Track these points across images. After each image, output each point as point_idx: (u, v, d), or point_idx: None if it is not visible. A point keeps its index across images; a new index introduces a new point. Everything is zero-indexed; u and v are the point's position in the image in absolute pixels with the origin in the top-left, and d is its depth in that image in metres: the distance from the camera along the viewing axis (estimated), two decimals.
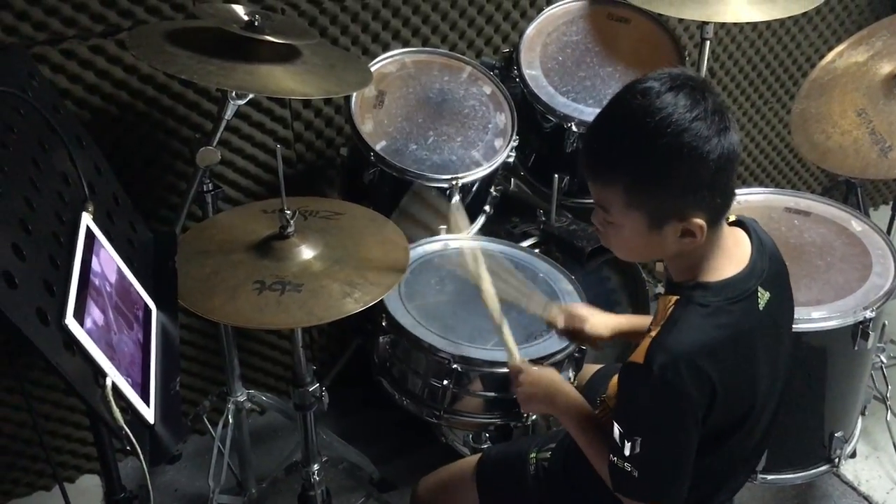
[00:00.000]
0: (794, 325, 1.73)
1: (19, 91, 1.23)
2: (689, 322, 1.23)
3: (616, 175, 1.22)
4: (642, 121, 1.17)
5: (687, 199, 1.20)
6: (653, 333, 1.24)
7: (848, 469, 2.44)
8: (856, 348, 1.88)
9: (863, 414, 2.14)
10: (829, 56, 2.28)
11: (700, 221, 1.21)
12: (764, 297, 1.28)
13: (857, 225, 2.08)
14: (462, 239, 2.09)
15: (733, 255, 1.29)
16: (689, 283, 1.28)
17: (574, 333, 1.66)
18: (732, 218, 1.37)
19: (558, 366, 1.80)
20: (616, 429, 1.26)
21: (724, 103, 1.22)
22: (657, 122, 1.16)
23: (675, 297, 1.27)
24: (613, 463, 1.28)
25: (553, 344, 1.80)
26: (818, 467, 2.04)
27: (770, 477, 2.00)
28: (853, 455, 2.14)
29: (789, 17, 2.68)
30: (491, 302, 1.67)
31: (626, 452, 1.25)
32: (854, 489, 2.41)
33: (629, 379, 1.28)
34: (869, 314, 1.84)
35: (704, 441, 1.27)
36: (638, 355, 1.23)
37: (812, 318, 1.84)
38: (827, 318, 1.84)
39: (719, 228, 1.27)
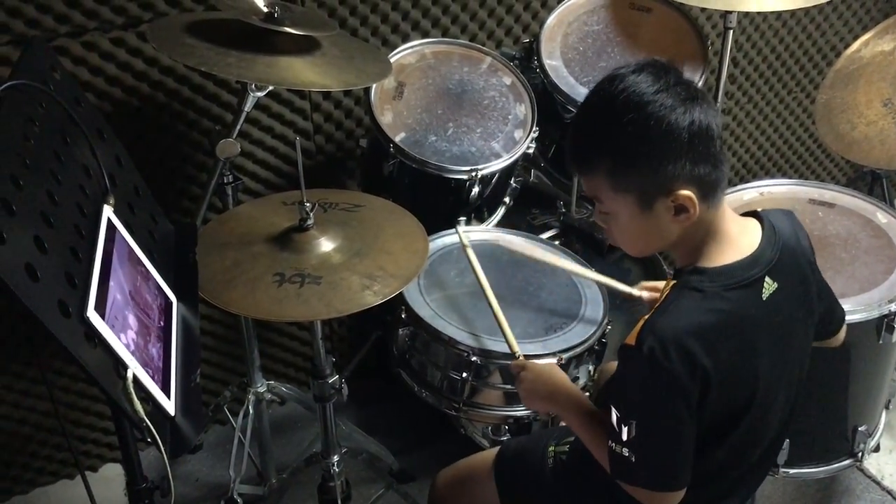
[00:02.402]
0: None
1: (41, 84, 1.23)
2: (681, 305, 1.24)
3: (596, 162, 1.26)
4: (609, 104, 1.23)
5: (667, 171, 1.21)
6: (646, 316, 1.25)
7: (871, 463, 2.41)
8: (880, 342, 1.85)
9: (887, 408, 2.12)
10: (855, 45, 2.25)
11: (687, 193, 1.22)
12: (770, 286, 1.28)
13: (882, 217, 2.05)
14: (480, 231, 2.09)
15: (738, 242, 1.29)
16: (687, 267, 1.29)
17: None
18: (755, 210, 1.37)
19: (578, 358, 1.79)
20: (613, 413, 1.27)
21: (691, 80, 1.25)
22: (622, 101, 1.21)
23: (672, 282, 1.29)
24: (612, 449, 1.28)
25: (573, 336, 1.80)
26: (841, 461, 2.02)
27: (792, 471, 1.98)
28: (877, 449, 2.12)
29: (814, 6, 2.64)
30: (491, 299, 1.73)
31: (624, 437, 1.25)
32: (877, 483, 2.38)
33: (623, 361, 1.29)
34: (894, 307, 1.82)
35: (708, 432, 1.27)
36: (631, 337, 1.24)
37: None
38: (851, 312, 1.81)
39: (718, 211, 1.28)
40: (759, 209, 1.38)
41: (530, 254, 1.95)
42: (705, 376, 1.21)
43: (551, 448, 1.62)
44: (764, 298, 1.27)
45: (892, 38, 2.22)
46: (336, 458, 1.90)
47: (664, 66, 1.24)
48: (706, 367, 1.20)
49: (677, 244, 1.30)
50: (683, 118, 1.20)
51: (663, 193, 1.23)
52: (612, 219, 1.30)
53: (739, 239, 1.30)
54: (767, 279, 1.27)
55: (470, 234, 2.05)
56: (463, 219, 2.09)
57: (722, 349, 1.22)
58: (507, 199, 2.22)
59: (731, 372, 1.24)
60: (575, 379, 1.81)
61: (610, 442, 1.28)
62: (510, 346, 1.68)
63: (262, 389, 2.22)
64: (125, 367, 1.08)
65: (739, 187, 2.12)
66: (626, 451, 1.25)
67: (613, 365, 1.84)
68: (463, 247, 1.87)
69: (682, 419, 1.23)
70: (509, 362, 1.72)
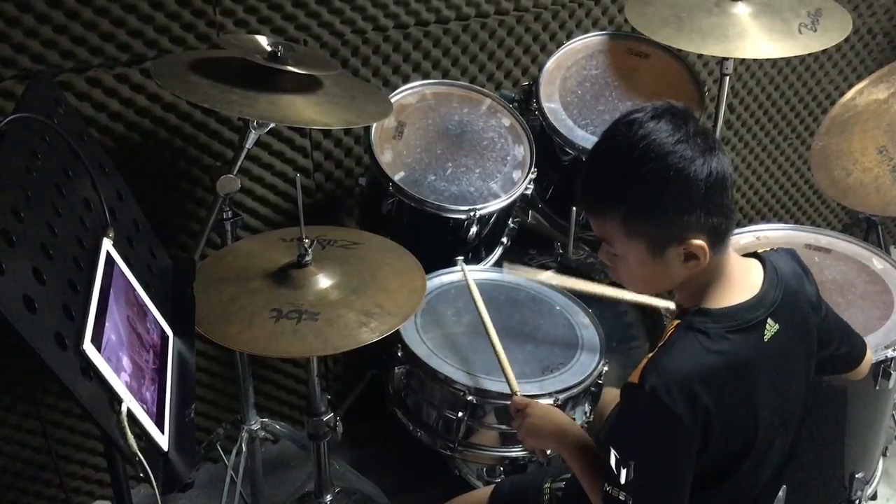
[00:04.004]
0: None
1: (45, 118, 1.24)
2: (684, 346, 1.23)
3: (611, 207, 1.25)
4: (628, 151, 1.21)
5: (683, 221, 1.21)
6: (650, 355, 1.25)
7: None
8: (877, 388, 1.85)
9: (884, 455, 2.11)
10: (850, 93, 2.28)
11: (700, 242, 1.22)
12: (772, 329, 1.28)
13: (878, 263, 2.06)
14: (479, 270, 2.09)
15: (742, 284, 1.29)
16: (692, 308, 1.28)
17: None
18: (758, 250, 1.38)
19: (575, 399, 1.79)
20: (612, 455, 1.25)
21: (708, 128, 1.25)
22: (641, 150, 1.20)
23: (676, 321, 1.28)
24: (608, 493, 1.26)
25: (569, 377, 1.79)
26: None
27: None
28: (874, 497, 2.11)
29: (809, 54, 2.68)
30: (493, 338, 1.72)
31: (622, 480, 1.23)
32: None
33: (624, 399, 1.28)
34: (891, 353, 1.81)
35: (706, 475, 1.26)
36: (634, 376, 1.23)
37: None
38: None
39: (724, 254, 1.28)
40: (760, 251, 1.38)
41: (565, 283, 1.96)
42: (707, 418, 1.20)
43: (547, 485, 1.61)
44: (766, 340, 1.27)
45: (887, 87, 2.25)
46: (329, 497, 1.88)
47: (683, 114, 1.23)
48: (708, 409, 1.20)
49: (682, 286, 1.30)
50: (702, 170, 1.19)
51: (676, 242, 1.23)
52: (620, 260, 1.29)
53: (743, 281, 1.30)
54: (769, 321, 1.27)
55: (472, 273, 2.06)
56: (461, 258, 2.09)
57: (725, 391, 1.22)
58: (504, 240, 2.23)
59: (732, 414, 1.23)
60: None
61: (606, 485, 1.26)
62: (510, 385, 1.67)
63: (255, 427, 2.20)
64: (120, 400, 1.07)
65: (736, 231, 2.12)
66: (622, 496, 1.23)
67: (609, 405, 1.83)
68: (467, 284, 1.87)
69: (682, 462, 1.23)
70: (506, 402, 1.72)
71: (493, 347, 1.72)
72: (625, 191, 1.23)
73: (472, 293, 1.83)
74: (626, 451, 1.24)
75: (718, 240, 1.25)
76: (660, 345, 1.26)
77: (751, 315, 1.26)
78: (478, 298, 1.82)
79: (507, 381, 1.67)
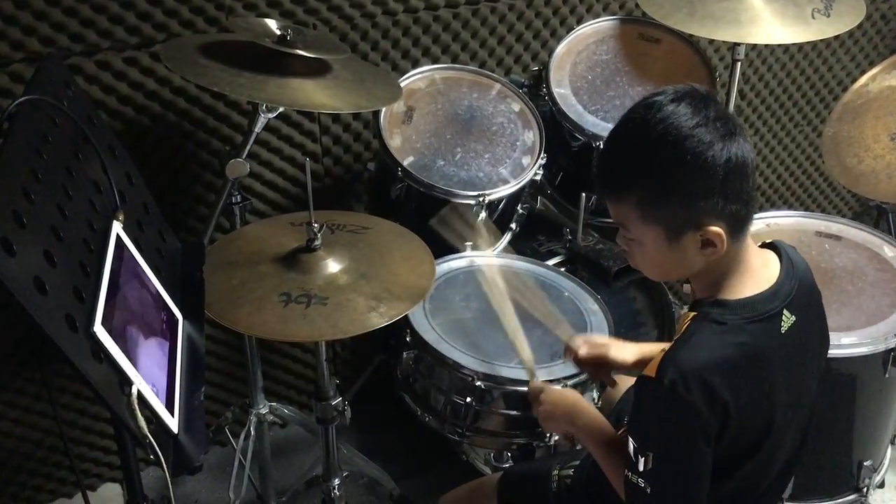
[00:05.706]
0: None
1: (55, 100, 1.24)
2: (702, 338, 1.22)
3: (627, 190, 1.24)
4: (645, 133, 1.20)
5: (699, 207, 1.19)
6: (666, 348, 1.24)
7: (876, 499, 2.38)
8: (886, 376, 1.85)
9: (892, 443, 2.11)
10: (863, 79, 2.26)
11: (717, 230, 1.20)
12: (789, 320, 1.26)
13: (889, 251, 2.05)
14: (487, 256, 2.09)
15: (759, 274, 1.28)
16: (708, 299, 1.27)
17: (596, 364, 1.65)
18: (767, 240, 1.37)
19: (583, 385, 1.79)
20: (631, 443, 1.25)
21: (731, 112, 1.22)
22: (658, 133, 1.18)
23: (692, 313, 1.27)
24: (628, 478, 1.26)
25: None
26: (846, 496, 2.01)
27: None
28: (882, 485, 2.11)
29: (821, 40, 2.66)
30: (510, 324, 1.71)
31: (640, 468, 1.23)
32: None
33: (642, 393, 1.27)
34: None
35: (721, 465, 1.26)
36: (651, 369, 1.22)
37: (842, 344, 1.81)
38: (857, 345, 1.81)
39: (743, 244, 1.26)
40: (774, 241, 1.37)
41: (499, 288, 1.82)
42: (725, 411, 1.20)
43: (555, 472, 1.61)
44: (783, 331, 1.26)
45: None
46: (337, 481, 1.89)
47: (704, 97, 1.21)
48: (727, 402, 1.19)
49: (699, 274, 1.29)
50: (721, 155, 1.17)
51: (692, 228, 1.21)
52: (637, 245, 1.28)
53: (760, 272, 1.28)
54: (786, 312, 1.26)
55: (475, 259, 2.06)
56: (469, 243, 2.09)
57: (743, 384, 1.21)
58: (513, 226, 2.23)
59: (750, 406, 1.23)
60: None
61: (626, 471, 1.27)
62: (528, 370, 1.67)
63: (264, 411, 2.21)
64: (130, 383, 1.07)
65: None
66: (641, 482, 1.24)
67: (617, 392, 1.83)
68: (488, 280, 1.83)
69: (700, 454, 1.22)
70: (514, 387, 1.72)
71: (508, 335, 1.72)
72: (640, 174, 1.21)
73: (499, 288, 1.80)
74: (643, 442, 1.24)
75: (737, 227, 1.23)
76: (676, 338, 1.25)
77: (768, 306, 1.25)
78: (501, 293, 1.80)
79: (525, 365, 1.68)
